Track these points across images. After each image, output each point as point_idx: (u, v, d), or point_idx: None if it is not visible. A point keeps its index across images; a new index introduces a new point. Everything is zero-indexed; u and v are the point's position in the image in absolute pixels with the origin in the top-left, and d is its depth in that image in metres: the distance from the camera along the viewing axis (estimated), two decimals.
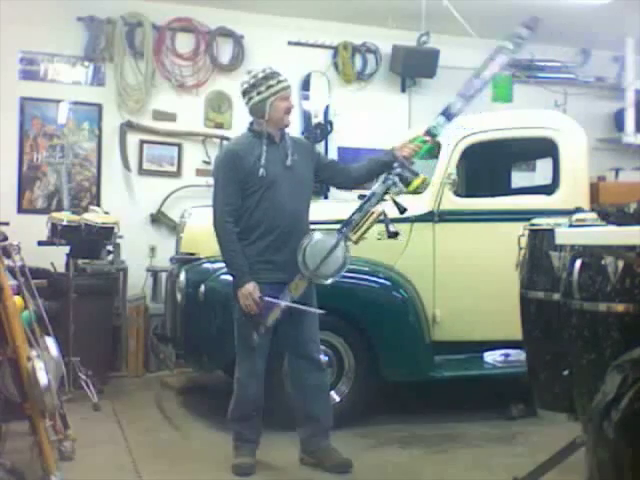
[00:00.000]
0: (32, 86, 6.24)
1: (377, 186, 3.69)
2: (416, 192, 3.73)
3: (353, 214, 3.69)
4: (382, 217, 3.67)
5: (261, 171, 3.60)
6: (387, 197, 3.69)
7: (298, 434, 3.83)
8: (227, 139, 6.58)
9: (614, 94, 7.57)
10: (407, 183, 3.65)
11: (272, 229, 3.63)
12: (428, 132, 3.78)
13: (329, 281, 3.64)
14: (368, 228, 3.67)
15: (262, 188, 3.62)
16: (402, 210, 3.70)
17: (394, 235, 3.74)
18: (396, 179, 3.65)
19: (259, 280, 3.59)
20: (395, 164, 3.69)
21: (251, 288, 3.56)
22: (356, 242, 3.67)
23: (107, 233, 5.20)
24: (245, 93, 3.71)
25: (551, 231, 2.98)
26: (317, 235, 3.64)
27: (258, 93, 3.64)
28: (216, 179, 3.73)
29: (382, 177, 3.72)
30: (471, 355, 4.73)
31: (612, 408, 1.83)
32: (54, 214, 5.29)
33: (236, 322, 3.72)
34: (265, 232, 3.63)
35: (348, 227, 3.66)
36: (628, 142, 7.39)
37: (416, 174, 3.66)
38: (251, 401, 3.72)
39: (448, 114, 3.76)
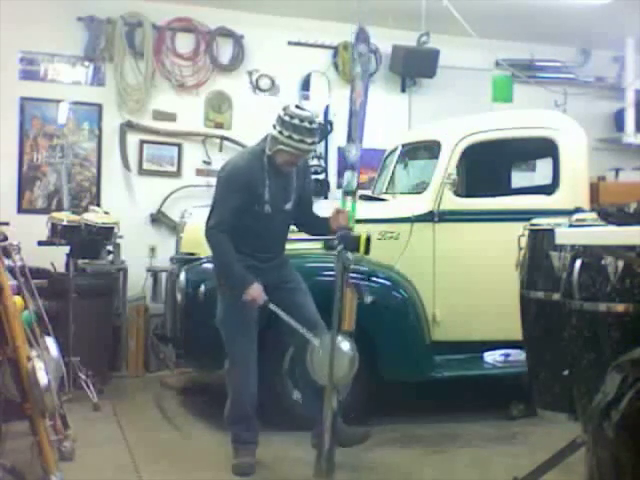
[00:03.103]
0: (32, 86, 6.24)
1: (336, 269, 3.65)
2: (367, 250, 3.72)
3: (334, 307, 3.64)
4: (357, 294, 3.65)
5: (266, 208, 3.64)
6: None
7: (311, 420, 3.77)
8: (227, 139, 6.60)
9: (614, 94, 7.58)
10: (357, 249, 3.67)
11: (259, 252, 3.70)
12: (346, 193, 3.79)
13: (350, 380, 3.67)
14: (352, 309, 3.64)
15: (260, 220, 3.65)
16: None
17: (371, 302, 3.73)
18: (347, 254, 3.63)
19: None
20: (336, 242, 3.68)
21: (257, 290, 3.58)
22: (351, 331, 3.64)
23: (107, 233, 5.21)
24: (276, 119, 3.65)
25: (551, 231, 2.98)
26: (313, 347, 3.60)
27: (279, 132, 3.60)
28: (220, 192, 3.71)
29: (335, 258, 3.68)
30: (471, 355, 4.73)
31: (612, 408, 1.83)
32: (54, 214, 5.30)
33: (223, 327, 3.73)
34: (251, 253, 3.68)
35: (336, 322, 3.62)
36: (628, 142, 7.39)
37: (357, 237, 3.68)
38: (247, 403, 3.72)
39: (351, 165, 3.77)
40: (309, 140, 3.59)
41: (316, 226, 3.98)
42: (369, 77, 6.80)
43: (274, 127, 3.62)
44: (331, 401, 3.53)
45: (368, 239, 3.70)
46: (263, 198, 3.63)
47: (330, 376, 3.53)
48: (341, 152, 6.63)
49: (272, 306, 3.61)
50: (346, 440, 3.72)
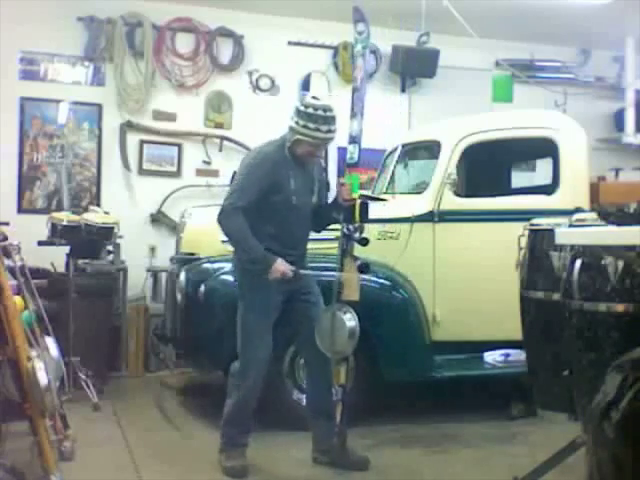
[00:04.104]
0: (32, 86, 6.24)
1: (340, 243, 3.74)
2: (363, 219, 3.75)
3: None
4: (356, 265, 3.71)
5: (293, 199, 3.63)
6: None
7: (312, 432, 3.83)
8: (227, 139, 6.60)
9: (614, 94, 7.58)
10: (354, 218, 3.73)
11: (287, 248, 3.67)
12: (348, 165, 3.85)
13: (350, 350, 3.70)
14: (354, 279, 3.70)
15: (286, 212, 3.64)
16: (362, 269, 3.76)
17: (364, 269, 3.77)
18: (347, 225, 3.71)
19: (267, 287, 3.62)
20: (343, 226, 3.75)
21: (282, 264, 3.57)
22: (356, 300, 3.68)
23: (107, 233, 5.21)
24: (293, 110, 3.67)
25: (551, 231, 2.98)
26: (320, 318, 3.68)
27: (296, 123, 3.62)
28: (243, 175, 3.69)
29: (340, 235, 3.77)
30: (471, 355, 4.73)
31: (612, 408, 1.83)
32: (54, 214, 5.30)
33: (242, 329, 3.69)
34: (279, 251, 3.64)
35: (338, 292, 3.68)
36: (628, 142, 7.39)
37: (352, 205, 3.73)
38: (252, 408, 3.71)
39: (352, 138, 3.82)
40: (324, 128, 3.60)
41: (328, 217, 3.93)
42: (369, 77, 6.88)
43: (291, 118, 3.65)
44: (339, 372, 3.68)
45: (363, 205, 3.72)
46: (289, 188, 3.63)
47: (331, 345, 3.60)
48: (343, 151, 6.65)
49: (302, 271, 3.65)
50: (347, 464, 3.73)
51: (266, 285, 3.59)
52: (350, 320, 3.63)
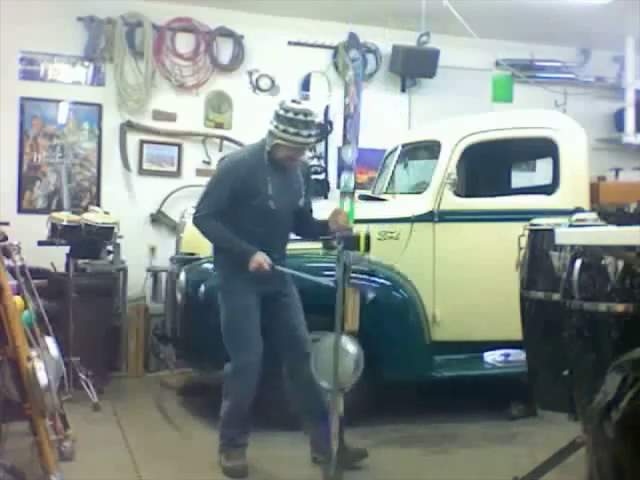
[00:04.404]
0: (32, 86, 6.24)
1: (338, 272, 3.62)
2: (367, 248, 3.68)
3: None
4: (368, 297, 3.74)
5: (270, 203, 3.62)
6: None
7: (307, 433, 3.83)
8: (227, 139, 6.59)
9: (614, 94, 7.57)
10: (357, 248, 3.63)
11: (264, 251, 3.66)
12: (344, 193, 3.80)
13: (355, 380, 3.63)
14: (355, 308, 3.61)
15: (266, 214, 3.63)
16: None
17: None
18: (348, 254, 3.60)
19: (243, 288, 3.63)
20: (336, 242, 3.68)
21: (262, 256, 3.58)
22: (356, 331, 3.62)
23: (107, 233, 5.20)
24: (273, 114, 3.66)
25: (551, 231, 2.98)
26: (319, 349, 3.62)
27: (275, 127, 3.61)
28: (217, 180, 3.74)
29: (338, 263, 3.65)
30: (471, 355, 4.73)
31: (612, 408, 1.82)
32: (54, 214, 5.30)
33: (228, 331, 3.70)
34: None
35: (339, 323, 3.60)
36: (628, 142, 7.38)
37: (356, 236, 3.64)
38: (247, 407, 3.71)
39: (347, 166, 3.76)
40: (305, 133, 3.58)
41: (314, 231, 3.99)
42: (368, 77, 6.89)
43: (271, 123, 3.64)
44: (338, 404, 3.52)
45: (367, 237, 3.70)
46: (266, 193, 3.62)
47: (335, 377, 3.51)
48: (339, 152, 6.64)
49: (279, 267, 3.64)
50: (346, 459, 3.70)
51: (243, 286, 3.63)
52: (355, 350, 3.57)
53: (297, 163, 3.79)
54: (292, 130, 3.56)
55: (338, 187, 6.32)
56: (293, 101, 3.66)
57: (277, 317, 3.74)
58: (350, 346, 3.57)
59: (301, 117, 3.57)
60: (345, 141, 3.79)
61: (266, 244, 3.66)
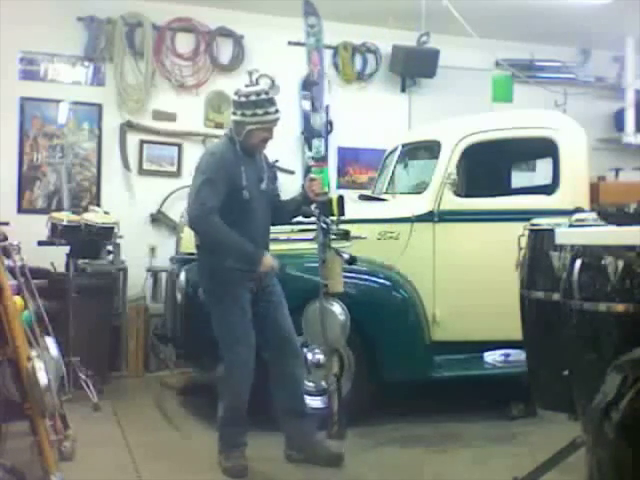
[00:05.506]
0: (32, 86, 6.24)
1: (319, 237, 3.74)
2: (341, 213, 3.75)
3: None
4: (344, 258, 3.73)
5: (245, 193, 3.61)
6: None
7: (283, 431, 3.84)
8: None
9: (614, 94, 7.58)
10: (331, 213, 3.74)
11: None
12: (315, 159, 3.84)
13: (343, 342, 3.75)
14: (338, 271, 3.72)
15: (241, 209, 3.62)
16: (350, 261, 3.77)
17: (352, 261, 3.78)
18: (324, 219, 3.71)
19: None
20: (313, 207, 3.77)
21: (270, 258, 3.62)
22: (341, 292, 3.69)
23: (107, 233, 5.20)
24: (233, 105, 3.68)
25: (551, 231, 2.98)
26: (307, 313, 3.73)
27: (242, 115, 3.62)
28: (204, 175, 3.62)
29: (317, 229, 3.78)
30: (471, 355, 4.73)
31: (612, 408, 1.83)
32: (54, 214, 5.29)
33: (221, 332, 3.70)
34: None
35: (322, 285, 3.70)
36: (628, 142, 7.39)
37: (329, 200, 3.73)
38: (244, 406, 3.71)
39: (317, 132, 3.81)
40: (272, 109, 3.63)
41: (289, 211, 3.95)
42: (369, 77, 6.90)
43: (234, 114, 3.65)
44: (332, 365, 3.70)
45: (340, 200, 3.73)
46: (242, 184, 3.61)
47: (324, 339, 3.63)
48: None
49: (288, 268, 3.71)
50: (321, 461, 3.73)
51: (234, 286, 3.63)
52: (340, 312, 3.67)
53: (260, 152, 3.78)
54: (260, 111, 3.59)
55: (338, 187, 6.35)
56: (247, 85, 3.69)
57: (261, 315, 3.74)
58: (336, 307, 3.68)
59: (263, 96, 3.62)
60: (313, 109, 3.83)
61: (247, 236, 3.60)
